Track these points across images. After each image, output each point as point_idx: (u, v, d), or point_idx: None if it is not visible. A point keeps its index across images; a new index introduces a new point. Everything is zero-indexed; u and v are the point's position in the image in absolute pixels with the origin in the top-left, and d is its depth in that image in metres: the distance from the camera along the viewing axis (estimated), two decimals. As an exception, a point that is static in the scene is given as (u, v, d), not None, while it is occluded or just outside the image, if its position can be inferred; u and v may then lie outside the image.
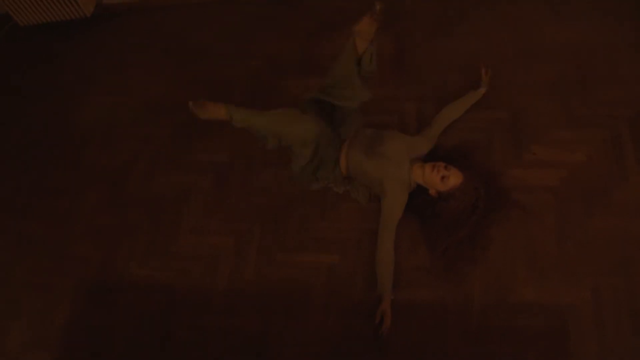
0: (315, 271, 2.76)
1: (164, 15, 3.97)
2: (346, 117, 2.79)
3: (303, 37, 3.57)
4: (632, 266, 2.49)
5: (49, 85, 3.83)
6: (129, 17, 4.06)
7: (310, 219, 2.90)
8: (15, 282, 3.10)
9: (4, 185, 3.47)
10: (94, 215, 3.21)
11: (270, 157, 3.10)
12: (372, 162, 2.63)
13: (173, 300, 2.85)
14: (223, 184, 3.11)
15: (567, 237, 2.59)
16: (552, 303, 2.48)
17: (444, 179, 2.53)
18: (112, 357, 2.79)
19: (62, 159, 3.47)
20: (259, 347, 2.64)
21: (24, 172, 3.49)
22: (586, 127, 2.85)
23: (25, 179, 3.45)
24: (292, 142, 2.59)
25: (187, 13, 3.93)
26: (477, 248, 2.60)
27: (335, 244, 2.81)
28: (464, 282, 2.58)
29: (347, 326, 2.61)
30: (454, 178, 2.54)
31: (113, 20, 4.05)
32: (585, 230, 2.60)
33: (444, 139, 2.89)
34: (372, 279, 2.62)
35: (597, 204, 2.65)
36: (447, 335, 2.50)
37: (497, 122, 2.95)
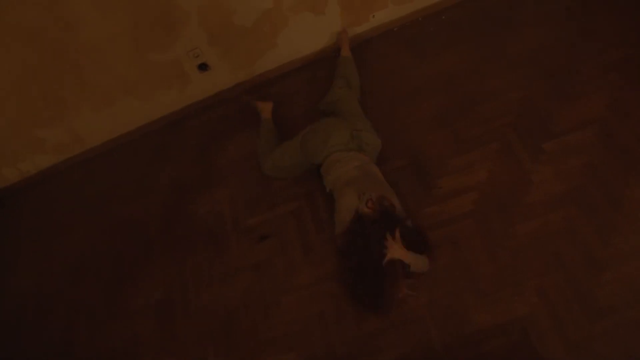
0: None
1: (57, 182, 3.97)
2: None
3: (196, 154, 3.65)
4: (563, 257, 2.57)
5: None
6: (20, 196, 4.03)
7: (257, 322, 2.87)
8: None
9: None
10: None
11: (202, 278, 3.09)
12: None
13: None
14: (165, 321, 3.05)
15: (497, 253, 2.67)
16: (507, 319, 2.51)
17: None
18: None
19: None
20: None
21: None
22: (478, 146, 3.01)
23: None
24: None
25: (75, 173, 3.95)
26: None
27: (288, 339, 2.77)
28: (417, 325, 2.59)
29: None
30: None
31: (18, 199, 4.03)
32: (511, 239, 2.68)
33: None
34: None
35: (513, 212, 2.76)
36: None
37: (399, 170, 3.06)
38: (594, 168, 2.78)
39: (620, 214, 2.63)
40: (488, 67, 3.31)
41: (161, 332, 3.02)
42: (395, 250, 2.49)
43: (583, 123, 2.93)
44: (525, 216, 2.73)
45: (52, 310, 3.34)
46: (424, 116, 3.25)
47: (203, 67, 3.55)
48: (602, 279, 2.49)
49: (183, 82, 3.60)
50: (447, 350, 2.51)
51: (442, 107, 3.24)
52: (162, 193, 3.54)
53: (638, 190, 2.67)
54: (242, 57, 3.60)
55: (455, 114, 3.19)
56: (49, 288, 3.43)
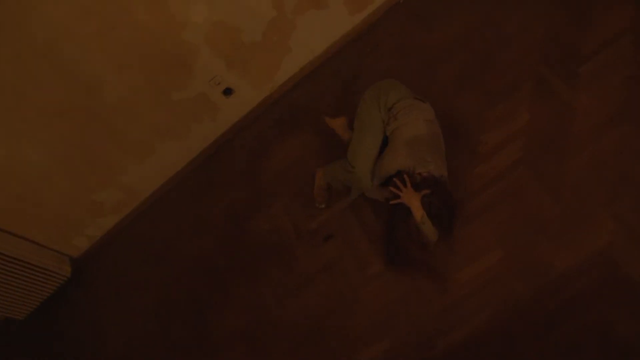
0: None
1: (123, 238, 4.08)
2: None
3: (242, 177, 3.72)
4: (630, 176, 2.48)
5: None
6: (94, 261, 4.20)
7: (343, 321, 2.90)
8: None
9: None
10: None
11: (279, 293, 3.15)
12: None
13: None
14: (255, 344, 3.12)
15: (559, 192, 2.60)
16: (589, 254, 2.44)
17: None
18: None
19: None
20: None
21: None
22: (512, 91, 2.94)
23: None
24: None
25: (138, 226, 4.06)
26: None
27: (377, 329, 2.79)
28: (498, 283, 2.56)
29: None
30: None
31: (93, 264, 4.21)
32: (569, 175, 2.61)
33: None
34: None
35: (564, 146, 2.68)
36: (516, 337, 2.44)
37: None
38: (636, 79, 2.67)
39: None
40: (499, 14, 3.21)
41: (254, 355, 3.09)
42: (406, 195, 2.52)
43: (613, 38, 2.81)
44: (577, 147, 2.64)
45: (150, 361, 3.49)
46: (447, 81, 3.19)
47: (228, 91, 3.62)
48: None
49: (213, 111, 3.68)
50: (537, 302, 2.46)
51: (463, 67, 3.18)
52: (221, 223, 3.63)
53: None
54: (262, 71, 3.64)
55: (478, 70, 3.12)
56: (139, 342, 3.57)
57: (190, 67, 3.32)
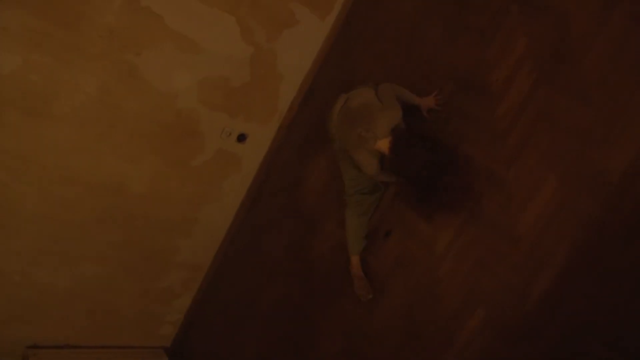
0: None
1: (203, 312, 4.19)
2: None
3: (286, 212, 3.73)
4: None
5: None
6: (185, 343, 4.30)
7: (432, 309, 2.83)
8: None
9: None
10: None
11: (362, 305, 3.11)
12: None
13: None
14: None
15: (586, 96, 2.46)
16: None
17: None
18: None
19: None
20: None
21: None
22: (501, 22, 2.83)
23: None
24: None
25: (211, 297, 4.15)
26: None
27: (467, 302, 2.70)
28: (564, 210, 2.44)
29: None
30: None
31: (185, 345, 4.29)
32: (589, 75, 2.47)
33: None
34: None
35: (572, 51, 2.54)
36: (602, 256, 2.30)
37: (453, 96, 2.96)
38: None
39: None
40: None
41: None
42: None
43: None
44: (585, 46, 2.50)
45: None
46: (437, 39, 3.12)
47: (241, 138, 3.67)
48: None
49: (235, 162, 3.74)
50: (609, 212, 2.32)
51: (446, 20, 3.10)
52: (285, 263, 3.65)
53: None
54: (264, 106, 3.68)
55: (460, 16, 3.03)
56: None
57: (196, 131, 3.39)
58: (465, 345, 2.65)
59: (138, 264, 3.61)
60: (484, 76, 2.85)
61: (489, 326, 2.61)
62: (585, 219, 2.38)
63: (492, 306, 2.61)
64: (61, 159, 3.01)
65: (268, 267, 3.72)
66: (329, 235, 3.41)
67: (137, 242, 3.51)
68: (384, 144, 2.70)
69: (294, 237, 3.62)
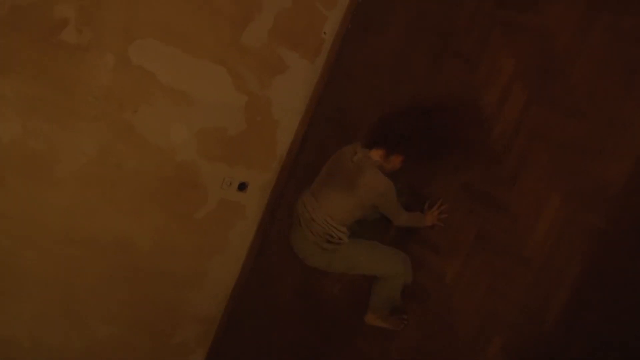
0: None
1: None
2: None
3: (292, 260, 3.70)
4: (634, 60, 2.34)
5: None
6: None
7: (448, 337, 2.77)
8: None
9: None
10: None
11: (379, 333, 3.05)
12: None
13: None
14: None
15: (578, 108, 2.46)
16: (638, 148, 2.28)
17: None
18: None
19: None
20: None
21: None
22: (484, 46, 2.88)
23: None
24: None
25: (228, 349, 4.10)
26: None
27: (482, 329, 2.64)
28: (578, 225, 2.40)
29: None
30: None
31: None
32: (578, 88, 2.47)
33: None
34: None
35: (558, 67, 2.56)
36: (616, 268, 2.26)
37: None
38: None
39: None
40: None
41: None
42: None
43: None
44: (571, 60, 2.51)
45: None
46: (423, 67, 3.16)
47: (242, 186, 3.68)
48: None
49: (239, 211, 3.74)
50: (614, 223, 2.29)
51: (430, 48, 3.15)
52: (297, 306, 3.60)
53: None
54: (263, 153, 3.71)
55: (444, 43, 3.07)
56: None
57: (197, 183, 3.42)
58: (486, 375, 2.59)
59: (151, 320, 3.58)
60: (475, 100, 2.87)
61: (508, 352, 2.55)
62: (594, 233, 2.35)
63: (509, 331, 2.55)
64: (65, 221, 3.03)
65: (282, 312, 3.67)
66: (339, 276, 3.37)
67: (147, 298, 3.49)
68: (376, 154, 2.64)
69: (302, 281, 3.58)
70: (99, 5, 2.78)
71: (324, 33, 3.67)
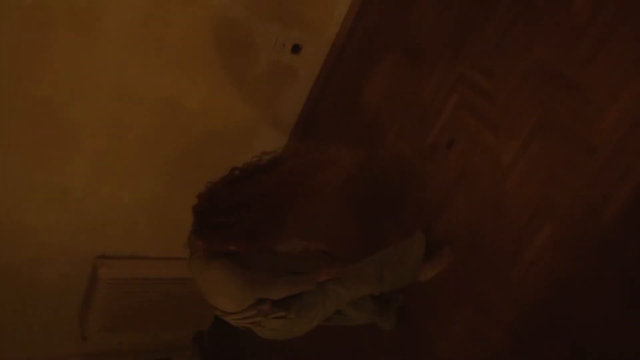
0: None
1: None
2: None
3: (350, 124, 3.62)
4: None
5: None
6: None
7: (497, 226, 2.68)
8: None
9: None
10: None
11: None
12: None
13: None
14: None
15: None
16: None
17: None
18: None
19: None
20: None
21: None
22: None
23: None
24: None
25: None
26: None
27: (535, 217, 2.53)
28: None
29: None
30: None
31: None
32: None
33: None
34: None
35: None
36: None
37: None
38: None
39: None
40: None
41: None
42: None
43: None
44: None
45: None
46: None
47: (296, 49, 3.50)
48: None
49: (291, 74, 3.61)
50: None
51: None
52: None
53: None
54: (319, 14, 3.48)
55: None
56: None
57: (248, 42, 3.28)
58: (531, 263, 2.51)
59: (197, 180, 3.63)
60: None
61: (559, 242, 2.44)
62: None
63: (563, 221, 2.42)
64: (114, 76, 2.98)
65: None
66: (391, 146, 3.28)
67: (194, 158, 3.50)
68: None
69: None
70: None
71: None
